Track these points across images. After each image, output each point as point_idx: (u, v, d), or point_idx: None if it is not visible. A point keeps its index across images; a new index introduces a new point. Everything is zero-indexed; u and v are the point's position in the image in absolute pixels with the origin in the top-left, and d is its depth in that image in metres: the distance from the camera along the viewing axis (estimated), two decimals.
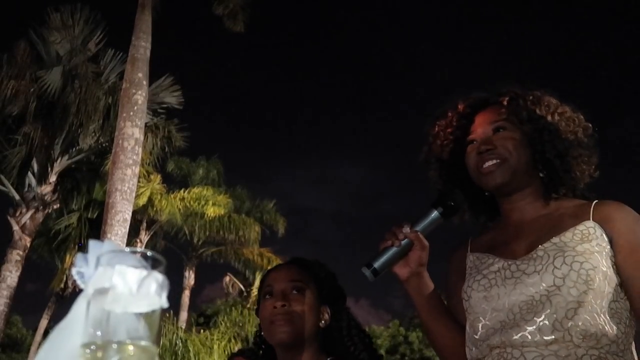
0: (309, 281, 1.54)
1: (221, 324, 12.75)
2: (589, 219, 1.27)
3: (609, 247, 1.24)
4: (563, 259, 1.20)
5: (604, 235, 1.24)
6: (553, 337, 1.16)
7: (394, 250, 1.32)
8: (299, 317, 1.47)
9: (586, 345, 1.15)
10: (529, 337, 1.18)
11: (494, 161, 1.33)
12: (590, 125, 1.40)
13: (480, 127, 1.39)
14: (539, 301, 1.20)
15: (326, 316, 1.53)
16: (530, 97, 1.39)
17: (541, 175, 1.36)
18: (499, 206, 1.43)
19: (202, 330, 13.34)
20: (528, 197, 1.37)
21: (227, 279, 18.15)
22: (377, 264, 1.31)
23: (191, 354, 10.88)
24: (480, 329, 1.28)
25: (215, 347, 11.41)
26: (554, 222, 1.31)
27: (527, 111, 1.37)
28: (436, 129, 1.49)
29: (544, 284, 1.20)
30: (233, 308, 15.09)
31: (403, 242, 1.32)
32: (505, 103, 1.39)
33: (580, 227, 1.26)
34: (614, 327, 1.18)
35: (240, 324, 13.03)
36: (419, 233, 1.33)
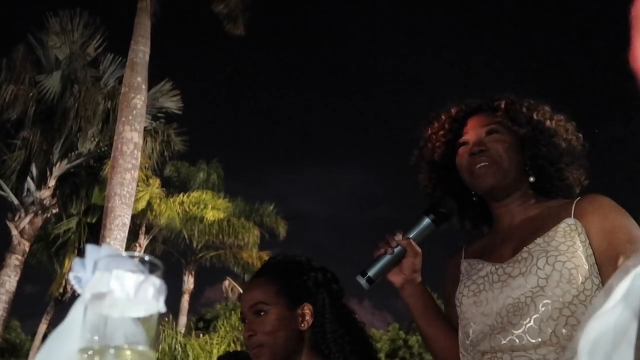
0: (272, 293, 1.43)
1: (221, 328, 12.72)
2: (570, 216, 1.26)
3: (588, 242, 1.22)
4: (546, 259, 1.20)
5: (584, 231, 1.23)
6: (540, 339, 1.15)
7: (387, 258, 1.34)
8: (268, 344, 1.39)
9: None
10: (517, 340, 1.17)
11: (486, 163, 1.34)
12: (581, 135, 1.41)
13: (473, 129, 1.39)
14: (524, 303, 1.19)
15: (307, 317, 1.43)
16: (526, 104, 1.41)
17: (531, 180, 1.37)
18: (489, 211, 1.43)
19: (201, 335, 13.32)
20: (517, 201, 1.37)
21: (226, 283, 18.11)
22: (371, 272, 1.33)
23: (190, 359, 10.87)
24: (471, 334, 1.28)
25: (215, 351, 11.38)
26: (540, 223, 1.30)
27: (524, 115, 1.38)
28: (429, 131, 1.49)
29: (528, 286, 1.20)
30: (232, 312, 15.07)
31: (396, 250, 1.34)
32: (502, 106, 1.40)
33: (562, 224, 1.25)
34: None
35: (240, 328, 12.99)
36: (411, 240, 1.35)
